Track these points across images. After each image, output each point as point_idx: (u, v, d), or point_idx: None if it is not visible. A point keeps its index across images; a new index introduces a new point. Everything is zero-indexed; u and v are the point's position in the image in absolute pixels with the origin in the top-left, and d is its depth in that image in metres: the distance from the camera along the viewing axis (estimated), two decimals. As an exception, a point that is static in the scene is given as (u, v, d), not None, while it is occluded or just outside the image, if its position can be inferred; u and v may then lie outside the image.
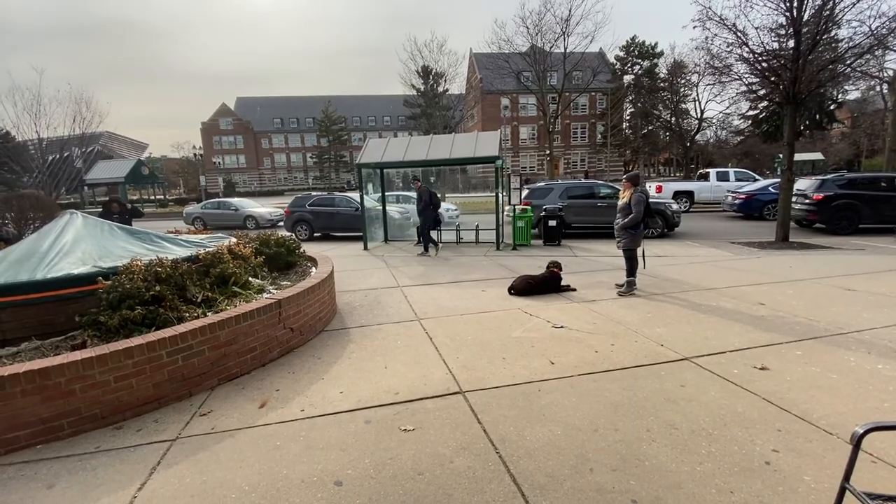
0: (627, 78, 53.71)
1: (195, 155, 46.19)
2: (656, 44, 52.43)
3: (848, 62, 10.29)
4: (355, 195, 13.31)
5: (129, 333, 3.47)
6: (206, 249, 5.03)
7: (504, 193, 11.56)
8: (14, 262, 4.11)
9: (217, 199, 23.17)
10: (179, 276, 4.16)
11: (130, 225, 6.67)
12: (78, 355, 2.94)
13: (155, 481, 2.45)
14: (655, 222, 6.06)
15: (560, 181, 16.06)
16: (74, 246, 4.49)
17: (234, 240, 5.84)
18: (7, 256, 4.23)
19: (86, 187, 34.16)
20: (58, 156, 27.02)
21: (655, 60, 52.01)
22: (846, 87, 32.05)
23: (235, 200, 22.07)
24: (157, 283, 3.90)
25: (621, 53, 53.01)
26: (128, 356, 3.06)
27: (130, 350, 3.08)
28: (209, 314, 3.91)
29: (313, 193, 15.76)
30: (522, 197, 13.33)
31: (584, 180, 17.04)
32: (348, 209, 14.08)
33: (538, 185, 14.27)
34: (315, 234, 14.51)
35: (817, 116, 38.73)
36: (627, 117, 55.35)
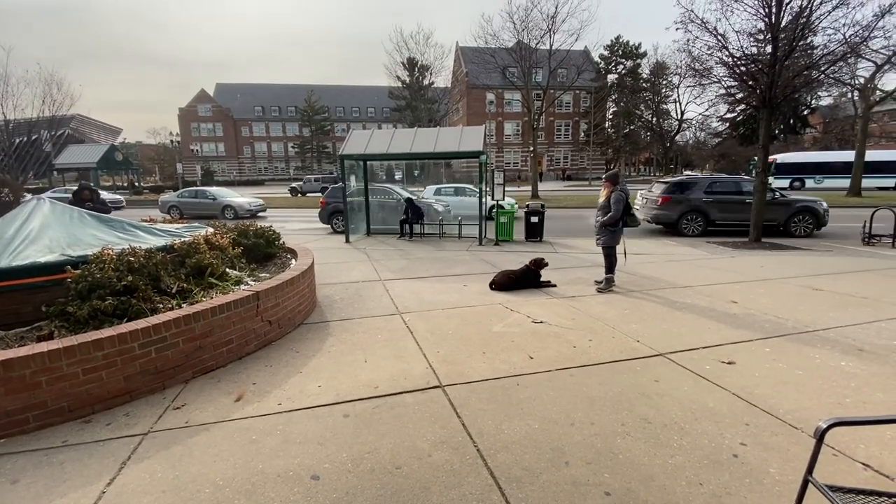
0: (611, 77, 54.32)
1: (172, 142, 44.84)
2: (640, 44, 53.22)
3: (822, 69, 10.62)
4: (392, 186, 12.97)
5: (99, 325, 3.36)
6: (182, 239, 4.91)
7: (487, 189, 11.58)
8: (-24, 249, 3.93)
9: (194, 188, 22.52)
10: (153, 266, 4.04)
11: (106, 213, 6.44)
12: (44, 347, 2.84)
13: (125, 476, 2.39)
14: (635, 221, 6.16)
15: (704, 175, 14.59)
16: (41, 233, 4.31)
17: (211, 230, 5.70)
18: (-32, 243, 4.04)
19: (55, 172, 32.90)
20: (25, 139, 25.91)
21: (639, 61, 52.75)
22: (819, 94, 33.13)
23: (213, 189, 21.47)
24: (130, 272, 3.78)
25: (606, 53, 53.58)
26: (97, 348, 2.97)
27: (100, 342, 2.98)
28: (184, 306, 3.82)
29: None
30: (662, 191, 12.68)
31: (726, 176, 15.48)
32: (389, 202, 13.39)
33: (681, 178, 13.53)
34: (351, 226, 13.80)
35: (791, 121, 39.91)
36: (610, 116, 56.05)
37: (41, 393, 2.81)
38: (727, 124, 45.52)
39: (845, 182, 27.98)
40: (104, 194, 22.59)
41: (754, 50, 11.76)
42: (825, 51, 10.34)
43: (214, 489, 2.27)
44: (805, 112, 40.83)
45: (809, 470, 1.71)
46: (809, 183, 31.95)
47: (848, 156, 29.73)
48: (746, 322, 4.79)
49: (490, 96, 51.05)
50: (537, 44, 27.63)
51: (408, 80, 36.61)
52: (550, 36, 27.02)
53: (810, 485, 1.71)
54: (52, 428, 2.85)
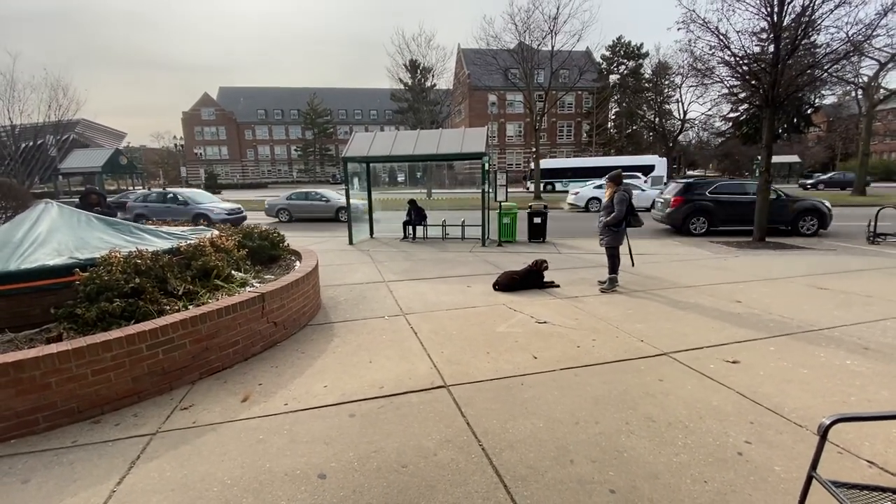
0: (613, 78, 54.30)
1: (176, 146, 45.06)
2: (642, 44, 53.21)
3: (825, 67, 10.59)
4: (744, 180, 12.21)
5: (107, 326, 3.40)
6: (188, 242, 4.95)
7: (490, 190, 11.59)
8: (-15, 253, 3.98)
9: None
10: (160, 268, 4.08)
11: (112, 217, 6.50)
12: (53, 348, 2.88)
13: (134, 475, 2.42)
14: (638, 221, 6.18)
15: None
16: (50, 236, 4.37)
17: (216, 232, 5.75)
18: (-22, 246, 4.09)
19: (60, 176, 33.10)
20: (31, 143, 26.13)
21: (641, 61, 52.69)
22: (823, 92, 33.09)
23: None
24: (137, 275, 3.82)
25: (607, 53, 53.58)
26: (106, 349, 3.01)
27: (108, 343, 3.02)
28: (190, 307, 3.85)
29: (710, 178, 13.83)
30: None
31: None
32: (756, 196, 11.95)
33: None
34: (713, 227, 12.17)
35: (795, 120, 39.75)
36: (612, 117, 56.00)
37: (51, 394, 2.84)
38: (730, 124, 45.39)
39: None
40: (224, 204, 17.31)
41: (757, 49, 11.77)
42: (828, 49, 10.30)
43: (222, 488, 2.30)
44: (809, 111, 40.65)
45: (814, 466, 1.72)
46: (559, 186, 36.43)
47: (593, 162, 36.72)
48: (751, 321, 4.79)
49: (492, 98, 51.09)
50: (539, 45, 27.63)
51: (410, 82, 36.67)
52: (552, 37, 27.02)
53: (814, 481, 1.71)
54: (62, 428, 2.89)
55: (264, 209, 19.26)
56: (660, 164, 34.48)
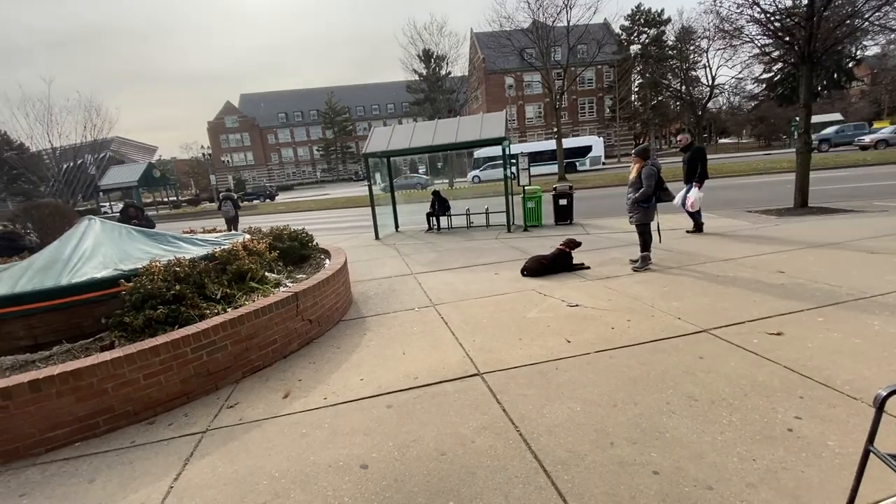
0: (634, 48, 52.35)
1: (203, 155, 46.47)
2: (663, 10, 51.09)
3: (866, 16, 9.84)
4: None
5: (153, 332, 3.57)
6: (222, 247, 5.12)
7: (512, 174, 11.44)
8: (39, 270, 4.24)
9: None
10: (198, 274, 4.25)
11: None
12: (107, 356, 3.05)
13: (189, 471, 2.55)
14: (669, 195, 5.97)
15: None
16: (95, 250, 4.60)
17: (247, 236, 5.93)
18: (32, 264, 4.37)
19: (101, 193, 34.86)
20: (72, 164, 27.57)
21: (663, 28, 50.57)
22: (865, 43, 30.77)
23: None
24: (177, 282, 3.99)
25: (627, 23, 51.68)
26: (154, 354, 3.17)
27: (156, 348, 3.18)
28: (229, 310, 4.00)
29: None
30: None
31: None
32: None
33: None
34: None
35: (835, 75, 37.34)
36: (636, 89, 54.04)
37: (108, 398, 3.02)
38: (763, 85, 43.11)
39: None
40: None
41: (788, 2, 11.03)
42: (868, -5, 9.57)
43: (271, 480, 2.40)
44: (850, 64, 38.06)
45: (870, 439, 1.63)
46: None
47: (541, 146, 35.61)
48: (796, 292, 4.57)
49: (509, 80, 50.21)
50: (554, 21, 26.86)
51: (424, 72, 36.54)
52: (567, 11, 26.21)
53: (872, 455, 1.63)
54: (121, 430, 3.07)
55: None
56: (596, 144, 36.48)
